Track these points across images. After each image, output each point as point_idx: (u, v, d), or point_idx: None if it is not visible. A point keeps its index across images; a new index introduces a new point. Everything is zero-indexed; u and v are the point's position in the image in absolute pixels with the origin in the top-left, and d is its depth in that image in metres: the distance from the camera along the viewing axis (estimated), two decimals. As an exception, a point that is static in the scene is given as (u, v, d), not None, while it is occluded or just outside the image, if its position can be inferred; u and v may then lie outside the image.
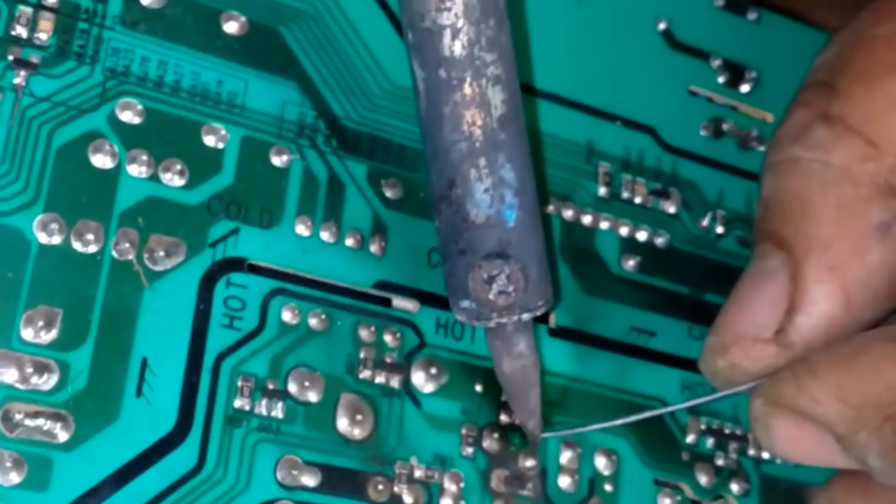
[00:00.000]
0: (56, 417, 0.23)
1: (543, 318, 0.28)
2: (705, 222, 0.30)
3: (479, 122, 0.23)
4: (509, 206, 0.24)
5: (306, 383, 0.25)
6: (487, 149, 0.24)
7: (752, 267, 0.24)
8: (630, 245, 0.29)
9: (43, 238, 0.23)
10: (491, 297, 0.24)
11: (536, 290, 0.24)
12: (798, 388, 0.22)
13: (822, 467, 0.24)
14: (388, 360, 0.26)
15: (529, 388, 0.26)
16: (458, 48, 0.23)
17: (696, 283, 0.30)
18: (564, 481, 0.27)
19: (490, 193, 0.24)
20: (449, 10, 0.23)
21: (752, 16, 0.32)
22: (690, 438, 0.29)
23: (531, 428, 0.26)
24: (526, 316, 0.25)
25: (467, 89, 0.23)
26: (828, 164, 0.23)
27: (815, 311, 0.23)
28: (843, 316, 0.23)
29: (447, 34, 0.23)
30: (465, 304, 0.24)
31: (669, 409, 0.28)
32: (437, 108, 0.23)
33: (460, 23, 0.23)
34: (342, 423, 0.25)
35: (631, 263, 0.29)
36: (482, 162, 0.24)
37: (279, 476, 0.24)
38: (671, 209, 0.30)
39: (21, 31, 0.24)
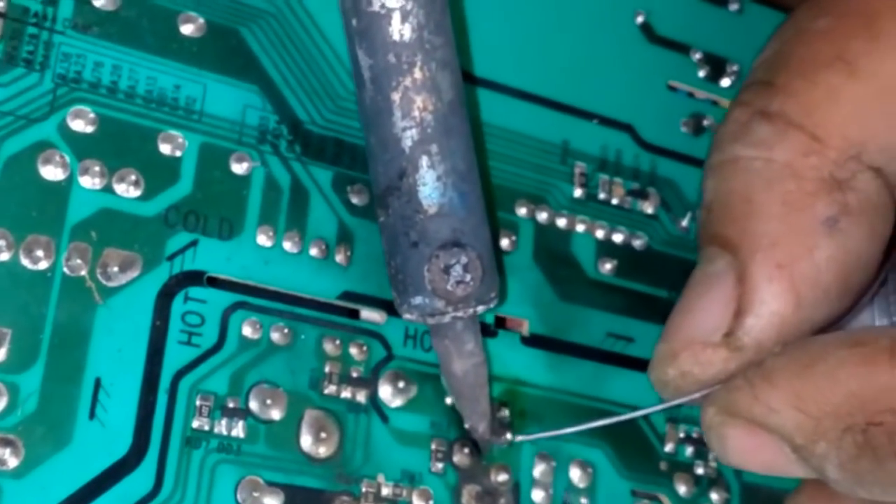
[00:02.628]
0: (4, 443, 0.22)
1: (508, 327, 0.27)
2: (685, 223, 0.30)
3: (431, 108, 0.23)
4: (461, 194, 0.23)
5: (268, 401, 0.24)
6: (439, 135, 0.23)
7: (698, 271, 0.23)
8: (606, 248, 0.28)
9: (-10, 255, 0.22)
10: (449, 287, 0.23)
11: (489, 281, 0.24)
12: (754, 397, 0.22)
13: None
14: (355, 374, 0.25)
15: (480, 389, 0.25)
16: (407, 31, 0.23)
17: (675, 287, 0.29)
18: (538, 495, 0.26)
19: (443, 181, 0.23)
20: None
21: (733, 6, 0.31)
22: (669, 447, 0.28)
23: (482, 431, 0.26)
24: (481, 308, 0.24)
25: (417, 73, 0.23)
26: (770, 161, 0.23)
27: (764, 311, 0.22)
28: (794, 315, 0.22)
29: (396, 17, 0.22)
30: (418, 300, 0.24)
31: (635, 414, 0.27)
32: (386, 95, 0.23)
33: (409, 5, 0.22)
34: (306, 441, 0.24)
35: (608, 267, 0.28)
36: (434, 149, 0.23)
37: (240, 498, 0.23)
38: (649, 210, 0.29)
39: (-34, 37, 0.23)
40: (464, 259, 0.23)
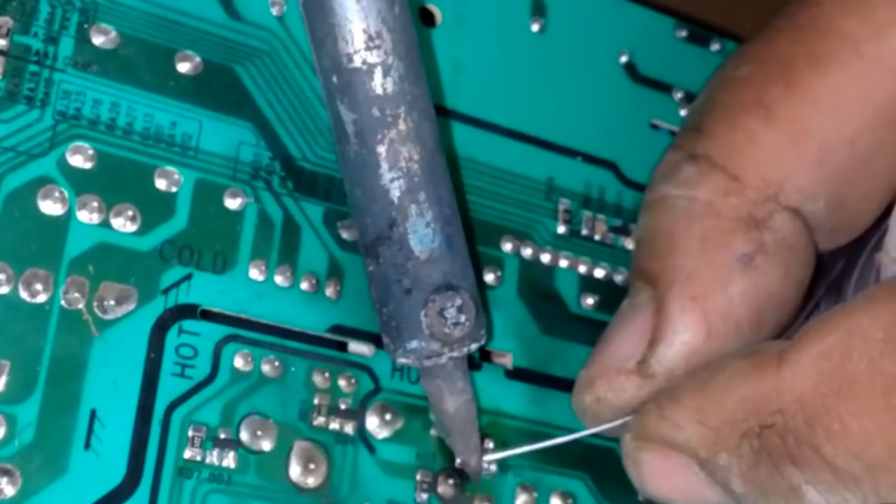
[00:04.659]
0: (2, 472, 0.22)
1: (492, 360, 0.28)
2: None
3: (416, 157, 0.23)
4: (447, 238, 0.24)
5: (259, 432, 0.25)
6: (425, 183, 0.24)
7: (623, 304, 0.24)
8: (589, 283, 0.29)
9: (-10, 288, 0.23)
10: (447, 329, 0.24)
11: (480, 319, 0.24)
12: (661, 417, 0.23)
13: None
14: (343, 405, 0.26)
15: (471, 424, 0.26)
16: (390, 85, 0.23)
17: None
18: (520, 525, 0.27)
19: (431, 227, 0.24)
20: (379, 47, 0.23)
21: (715, 47, 0.32)
22: (648, 479, 0.29)
23: (473, 465, 0.26)
24: (474, 346, 0.25)
25: (402, 125, 0.23)
26: (693, 200, 0.24)
27: (676, 341, 0.23)
28: (704, 346, 0.23)
29: (378, 72, 0.23)
30: (414, 344, 0.24)
31: (576, 435, 0.27)
32: (372, 148, 0.23)
33: (391, 59, 0.23)
34: (295, 472, 0.25)
35: (590, 302, 0.29)
36: (422, 197, 0.24)
37: (230, 527, 0.24)
38: (631, 246, 0.30)
39: (-31, 74, 0.24)
40: (458, 301, 0.24)
